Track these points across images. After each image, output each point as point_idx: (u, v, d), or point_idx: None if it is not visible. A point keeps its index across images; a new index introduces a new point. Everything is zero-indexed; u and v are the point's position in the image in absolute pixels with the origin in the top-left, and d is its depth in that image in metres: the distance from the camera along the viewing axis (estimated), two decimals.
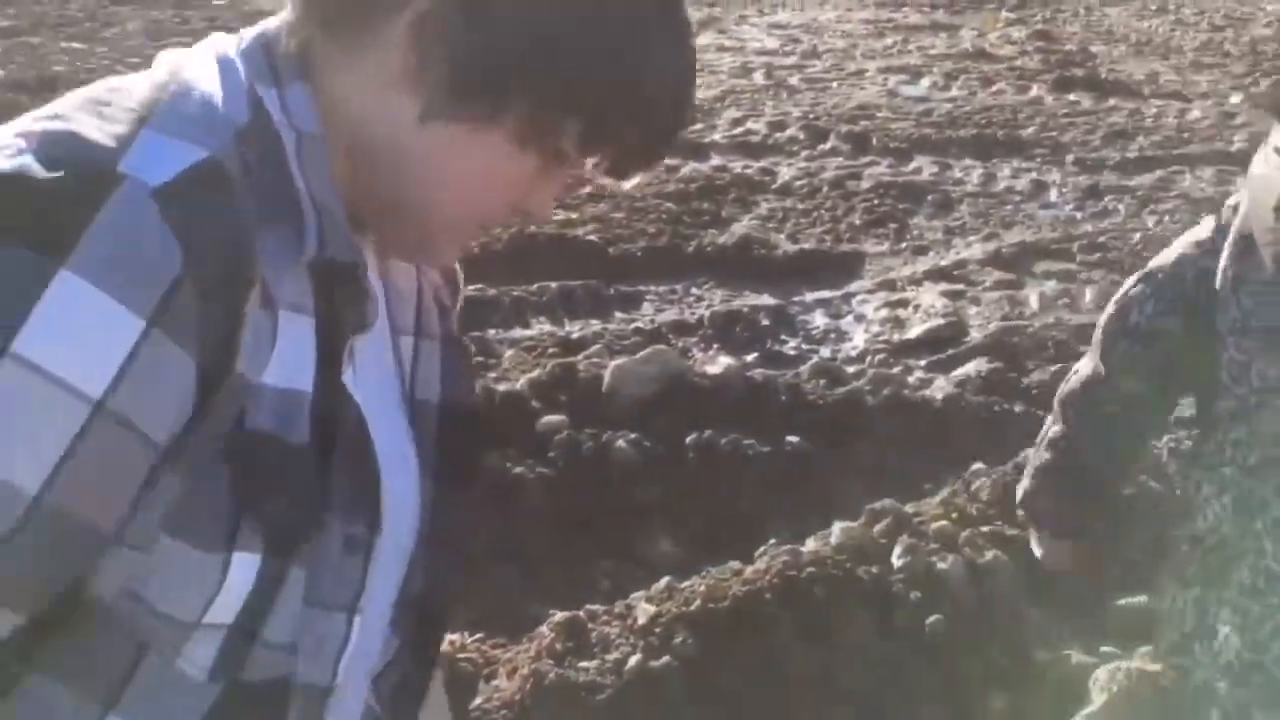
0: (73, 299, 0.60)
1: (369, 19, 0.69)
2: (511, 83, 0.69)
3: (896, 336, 3.92)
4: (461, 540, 0.90)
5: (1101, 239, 4.71)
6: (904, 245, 4.70)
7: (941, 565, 2.40)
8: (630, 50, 0.70)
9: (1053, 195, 5.28)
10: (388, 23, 0.69)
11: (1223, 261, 1.35)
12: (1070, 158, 5.72)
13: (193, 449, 0.65)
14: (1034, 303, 4.20)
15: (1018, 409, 3.38)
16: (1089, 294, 4.24)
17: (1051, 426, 1.61)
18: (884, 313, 4.12)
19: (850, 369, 3.61)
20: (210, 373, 0.64)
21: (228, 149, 0.66)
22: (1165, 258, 1.49)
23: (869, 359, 3.74)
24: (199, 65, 0.71)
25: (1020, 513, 1.74)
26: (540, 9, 0.68)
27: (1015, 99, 6.72)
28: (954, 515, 2.61)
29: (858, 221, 4.87)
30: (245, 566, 0.69)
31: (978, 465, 2.92)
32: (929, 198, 5.18)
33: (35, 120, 0.65)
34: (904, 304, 4.18)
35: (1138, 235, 4.73)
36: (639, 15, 0.71)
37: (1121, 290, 1.52)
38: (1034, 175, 5.51)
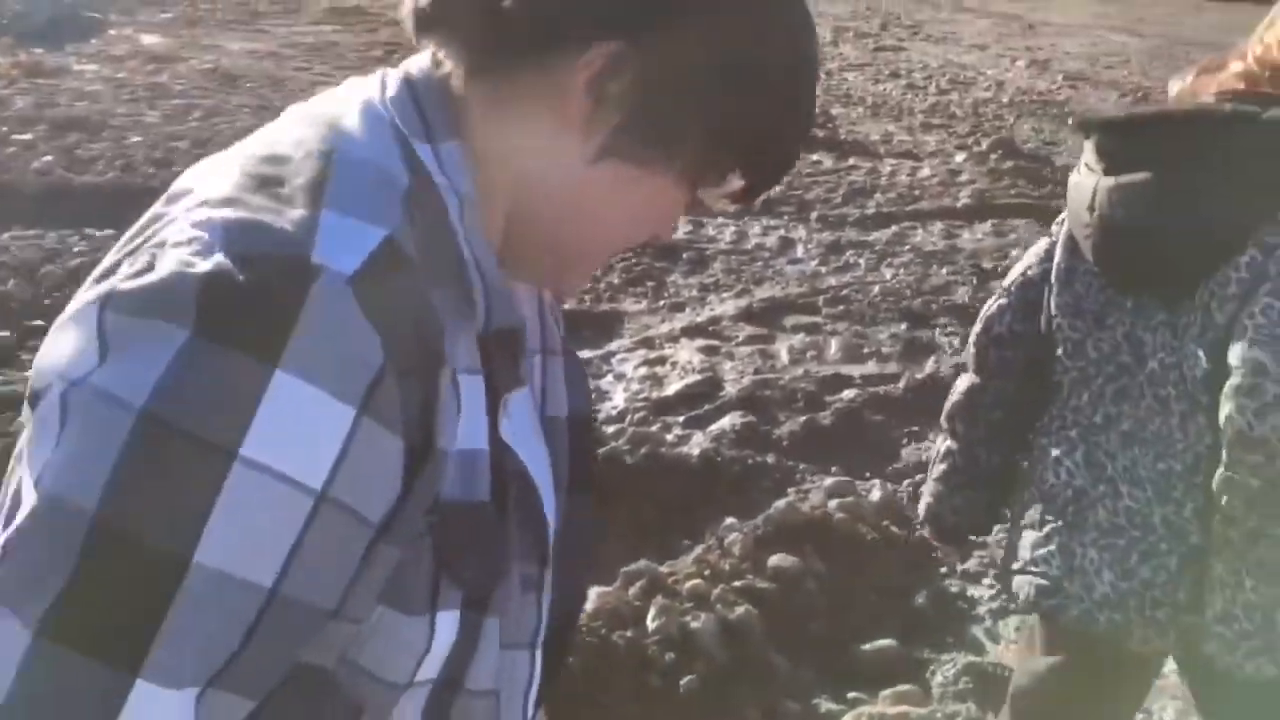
0: (290, 398, 0.61)
1: (533, 63, 0.71)
2: (689, 129, 0.73)
3: (655, 394, 4.00)
4: (589, 549, 0.94)
5: (844, 292, 4.96)
6: (661, 303, 4.81)
7: (694, 624, 2.44)
8: (789, 97, 0.76)
9: (799, 251, 5.53)
10: (555, 67, 0.70)
11: (1056, 259, 1.64)
12: (814, 215, 6.01)
13: (403, 523, 0.67)
14: (784, 356, 4.37)
15: (770, 460, 3.50)
16: (834, 345, 4.45)
17: (942, 443, 1.83)
18: (643, 370, 4.20)
19: (610, 428, 3.64)
20: (416, 450, 0.67)
21: (403, 223, 0.67)
22: (1014, 273, 1.75)
23: (628, 418, 3.79)
24: (352, 120, 0.71)
25: (925, 530, 1.93)
26: (719, 58, 0.72)
27: None
28: (706, 573, 2.66)
29: (616, 280, 4.95)
30: (448, 624, 0.72)
31: (730, 520, 2.99)
32: (684, 255, 5.33)
33: (208, 207, 0.65)
34: (662, 361, 4.27)
35: (876, 287, 5.01)
36: (796, 62, 0.76)
37: (984, 309, 1.77)
38: (782, 232, 5.75)
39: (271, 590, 0.62)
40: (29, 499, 0.60)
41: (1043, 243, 1.73)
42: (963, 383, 1.81)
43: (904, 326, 4.62)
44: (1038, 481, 1.67)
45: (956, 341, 4.44)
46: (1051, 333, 1.65)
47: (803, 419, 3.77)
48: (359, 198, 0.67)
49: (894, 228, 5.87)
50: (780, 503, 3.05)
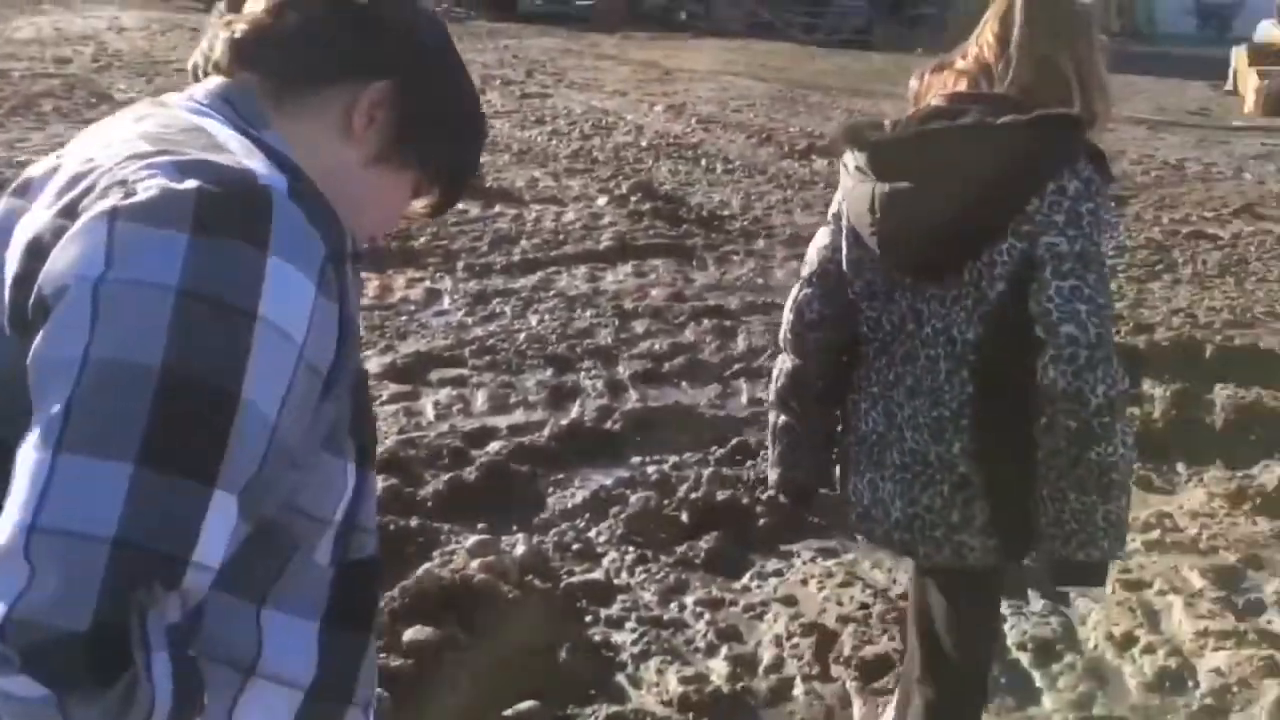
0: (280, 275, 0.82)
1: (327, 92, 1.00)
2: (429, 151, 1.06)
3: None
4: None
5: (490, 341, 4.93)
6: None
7: None
8: (479, 136, 1.14)
9: (445, 302, 5.46)
10: (342, 95, 1.00)
11: (845, 252, 1.99)
12: (461, 264, 5.96)
13: (338, 381, 0.89)
14: (429, 411, 4.27)
15: (414, 523, 3.38)
16: (481, 397, 4.40)
17: (779, 419, 2.12)
18: None
19: None
20: (343, 320, 0.89)
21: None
22: (810, 263, 2.07)
23: None
24: (192, 119, 0.95)
25: (780, 496, 2.25)
26: (450, 105, 1.08)
27: None
28: None
29: None
30: (351, 472, 0.96)
31: None
32: None
33: (147, 158, 0.86)
34: None
35: (522, 334, 5.02)
36: (481, 111, 1.15)
37: (790, 299, 2.08)
38: (428, 284, 5.66)
39: (274, 426, 0.82)
40: (69, 373, 0.77)
41: (823, 234, 2.08)
42: (786, 365, 2.11)
43: (549, 373, 4.64)
44: (853, 431, 2.04)
45: (600, 384, 4.51)
46: (853, 313, 2.01)
47: (447, 477, 3.68)
48: (252, 151, 0.92)
49: (539, 274, 5.91)
50: (419, 570, 2.94)
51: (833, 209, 2.05)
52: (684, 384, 4.64)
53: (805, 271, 2.08)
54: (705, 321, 5.28)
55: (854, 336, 2.03)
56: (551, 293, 5.64)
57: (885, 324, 1.97)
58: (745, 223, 7.18)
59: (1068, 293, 1.77)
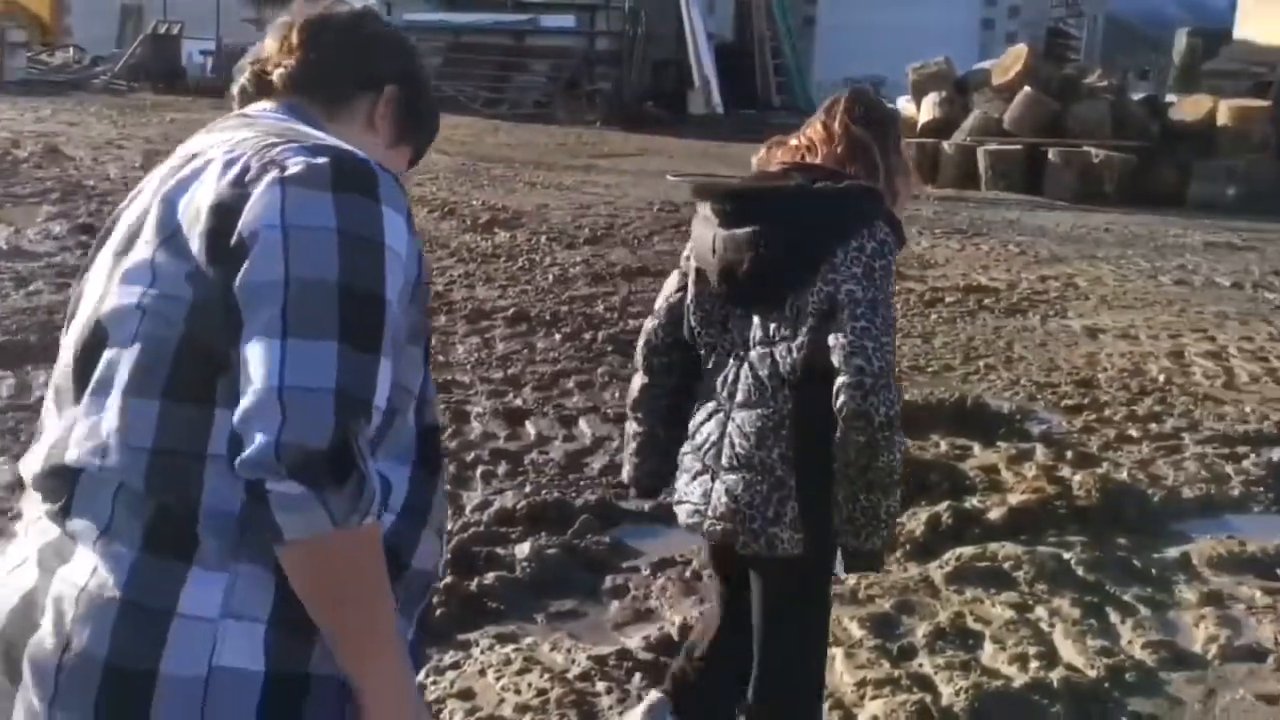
0: (390, 218, 1.24)
1: (356, 101, 1.47)
2: (419, 131, 1.56)
3: None
4: None
5: None
6: None
7: None
8: (438, 115, 1.64)
9: None
10: (361, 105, 1.48)
11: (690, 288, 2.41)
12: None
13: (417, 297, 1.30)
14: None
15: None
16: None
17: (630, 429, 2.57)
18: None
19: None
20: (419, 253, 1.31)
21: None
22: (661, 299, 2.51)
23: None
24: (279, 124, 1.39)
25: (631, 491, 2.91)
26: (425, 99, 1.56)
27: (53, 299, 6.35)
28: None
29: None
30: (422, 360, 1.34)
31: None
32: None
33: (288, 143, 1.28)
34: None
35: None
36: (435, 100, 1.66)
37: (644, 327, 2.54)
38: None
39: (397, 317, 1.23)
40: (277, 289, 1.15)
41: (674, 276, 2.50)
42: (636, 382, 2.56)
43: None
44: (692, 437, 2.42)
45: None
46: (695, 339, 2.42)
47: None
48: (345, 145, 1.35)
49: None
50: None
51: (683, 256, 2.49)
52: None
53: (657, 305, 2.53)
54: None
55: (693, 359, 2.45)
56: None
57: (721, 347, 2.39)
58: None
59: (859, 331, 2.15)
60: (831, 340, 2.17)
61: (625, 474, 2.63)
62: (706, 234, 2.35)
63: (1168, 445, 5.03)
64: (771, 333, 2.28)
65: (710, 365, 2.39)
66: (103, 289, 1.27)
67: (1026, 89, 14.12)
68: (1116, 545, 3.97)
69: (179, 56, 21.46)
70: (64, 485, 1.21)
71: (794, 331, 2.24)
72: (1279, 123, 14.02)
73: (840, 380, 2.14)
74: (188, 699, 1.13)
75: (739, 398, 2.31)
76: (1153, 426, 5.22)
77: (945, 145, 14.21)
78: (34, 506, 1.26)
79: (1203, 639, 3.34)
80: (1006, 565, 3.74)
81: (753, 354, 2.30)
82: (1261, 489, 4.63)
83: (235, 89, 1.49)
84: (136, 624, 1.13)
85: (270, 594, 1.17)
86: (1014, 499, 4.28)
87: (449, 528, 3.88)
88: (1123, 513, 4.25)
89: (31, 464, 1.26)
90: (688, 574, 3.69)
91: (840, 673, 3.10)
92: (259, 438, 1.10)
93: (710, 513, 2.33)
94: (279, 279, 1.15)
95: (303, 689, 1.18)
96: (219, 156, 1.27)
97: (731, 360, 2.35)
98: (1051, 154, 13.50)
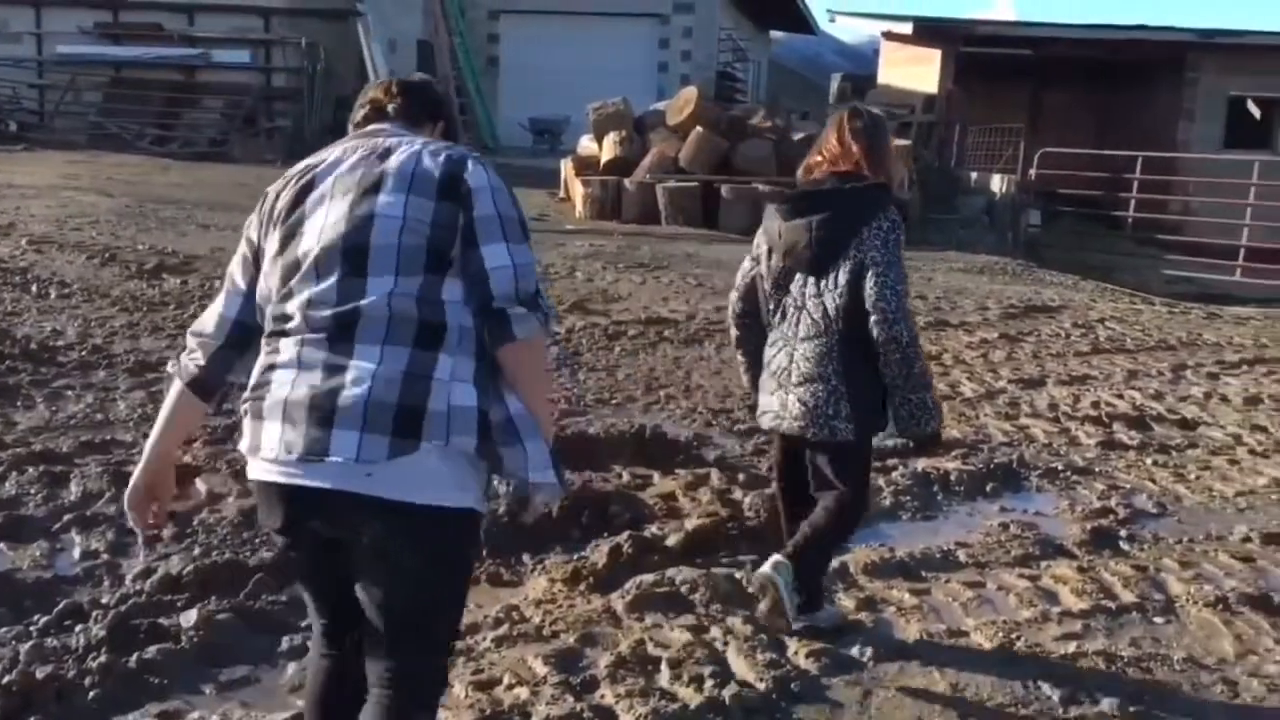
0: (496, 175, 2.24)
1: (423, 125, 2.41)
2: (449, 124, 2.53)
3: None
4: None
5: None
6: None
7: None
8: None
9: None
10: (428, 129, 2.42)
11: (761, 265, 3.54)
12: None
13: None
14: None
15: None
16: None
17: (742, 363, 3.76)
18: None
19: None
20: None
21: None
22: (738, 279, 3.64)
23: None
24: (403, 137, 2.35)
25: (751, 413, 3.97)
26: (455, 129, 2.58)
27: None
28: None
29: None
30: None
31: None
32: None
33: (443, 145, 2.31)
34: None
35: None
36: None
37: (729, 302, 3.71)
38: None
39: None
40: (494, 219, 2.17)
41: (746, 261, 3.64)
42: (733, 334, 3.76)
43: None
44: (767, 366, 3.53)
45: None
46: (766, 300, 3.54)
47: None
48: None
49: None
50: None
51: (755, 244, 3.61)
52: (2, 545, 4.06)
53: (736, 282, 3.67)
54: (30, 470, 4.69)
55: (766, 314, 3.56)
56: None
57: (785, 301, 3.49)
58: (83, 353, 6.57)
59: (881, 283, 3.28)
60: (864, 291, 3.28)
61: (746, 383, 3.82)
62: (774, 225, 3.49)
63: None
64: (821, 288, 3.38)
65: (778, 315, 3.50)
66: (348, 217, 2.14)
67: (698, 129, 14.87)
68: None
69: None
70: (350, 322, 2.08)
71: (837, 286, 3.34)
72: (918, 159, 15.44)
73: (872, 318, 3.28)
74: (440, 420, 2.04)
75: (800, 334, 3.42)
76: None
77: (627, 183, 14.71)
78: (290, 342, 2.13)
79: (858, 643, 3.60)
80: (684, 589, 3.88)
81: (809, 303, 3.40)
82: (908, 498, 5.05)
83: (359, 115, 2.43)
84: (413, 384, 2.04)
85: (473, 368, 2.11)
86: (690, 524, 4.46)
87: (105, 601, 3.62)
88: None
89: (297, 307, 2.13)
90: None
91: (530, 716, 3.11)
92: (507, 287, 2.12)
93: (787, 416, 3.44)
94: (494, 214, 2.16)
95: (485, 418, 2.10)
96: (416, 146, 2.23)
97: (793, 309, 3.45)
98: (724, 190, 14.27)
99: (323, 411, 2.01)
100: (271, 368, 2.12)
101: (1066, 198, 18.29)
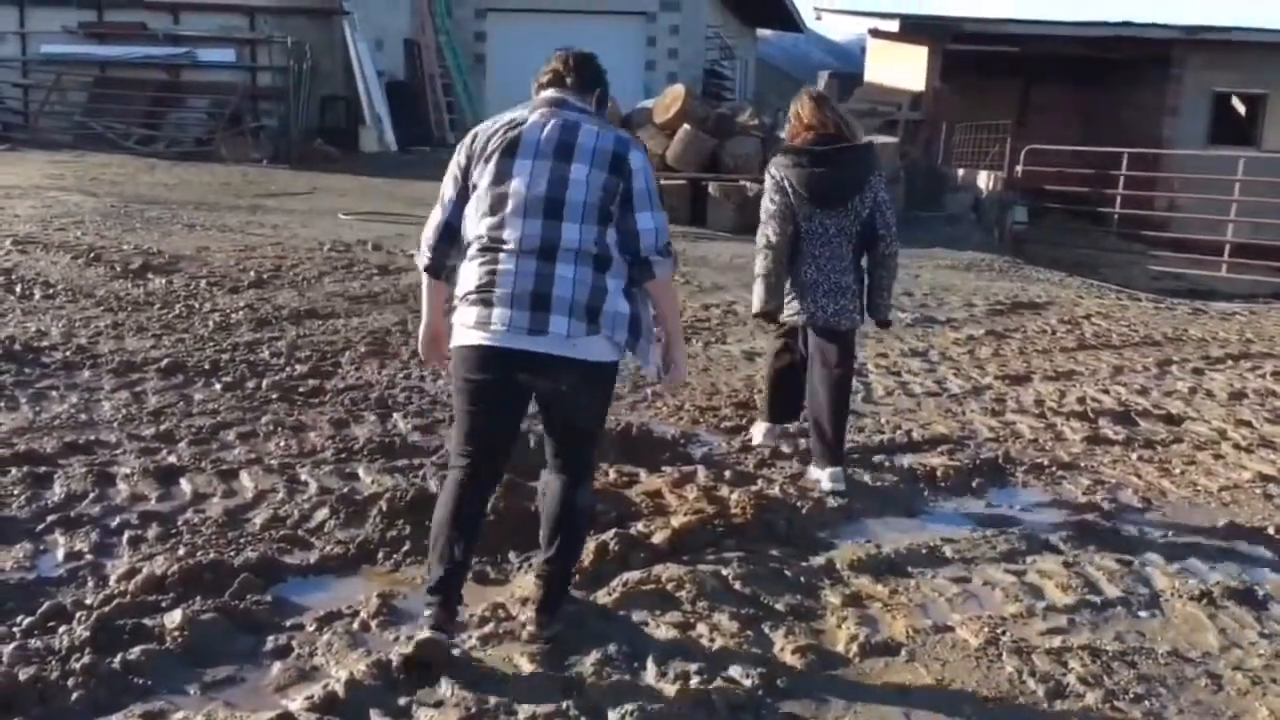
0: (646, 158, 3.45)
1: (590, 91, 3.45)
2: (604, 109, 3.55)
3: None
4: None
5: None
6: None
7: None
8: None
9: None
10: (591, 96, 3.45)
11: (791, 198, 4.99)
12: None
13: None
14: None
15: None
16: None
17: (760, 266, 5.03)
18: None
19: None
20: None
21: None
22: (771, 207, 5.02)
23: None
24: (578, 112, 3.45)
25: (761, 319, 5.28)
26: (606, 94, 3.57)
27: None
28: None
29: None
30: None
31: None
32: None
33: (611, 127, 3.45)
34: None
35: None
36: None
37: (760, 230, 5.08)
38: None
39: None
40: (648, 192, 3.36)
41: (770, 200, 5.00)
42: (772, 253, 4.99)
43: None
44: (796, 278, 5.02)
45: None
46: (796, 226, 4.96)
47: None
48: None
49: None
50: None
51: (770, 187, 5.01)
52: None
53: (768, 215, 5.01)
54: (13, 471, 4.67)
55: (796, 238, 4.97)
56: None
57: (813, 229, 4.94)
58: (67, 353, 6.54)
59: (887, 215, 4.96)
60: (874, 220, 4.94)
61: (756, 304, 5.08)
62: (800, 173, 4.90)
63: None
64: (841, 219, 4.93)
65: (807, 239, 4.95)
66: (549, 177, 3.23)
67: (686, 126, 14.87)
68: (769, 557, 4.22)
69: None
70: (553, 248, 3.20)
71: (857, 218, 4.93)
72: (905, 157, 15.47)
73: (884, 237, 4.96)
74: (609, 317, 3.24)
75: (828, 254, 4.94)
76: (801, 442, 5.59)
77: None
78: (508, 256, 3.23)
79: (845, 639, 3.60)
80: (670, 586, 3.88)
81: (832, 230, 4.93)
82: (894, 494, 5.06)
83: (545, 78, 3.43)
84: (594, 291, 3.22)
85: (624, 286, 3.30)
86: (676, 521, 4.46)
87: (89, 602, 3.60)
88: (775, 526, 4.52)
89: (511, 235, 3.23)
90: (355, 625, 3.59)
91: (516, 714, 3.10)
92: (652, 242, 3.29)
93: (819, 313, 4.97)
94: (647, 188, 3.28)
95: (629, 319, 3.31)
96: (594, 127, 3.31)
97: (820, 235, 4.93)
98: (712, 188, 14.27)
99: (543, 302, 3.18)
100: (494, 272, 3.22)
101: (1053, 194, 18.34)
